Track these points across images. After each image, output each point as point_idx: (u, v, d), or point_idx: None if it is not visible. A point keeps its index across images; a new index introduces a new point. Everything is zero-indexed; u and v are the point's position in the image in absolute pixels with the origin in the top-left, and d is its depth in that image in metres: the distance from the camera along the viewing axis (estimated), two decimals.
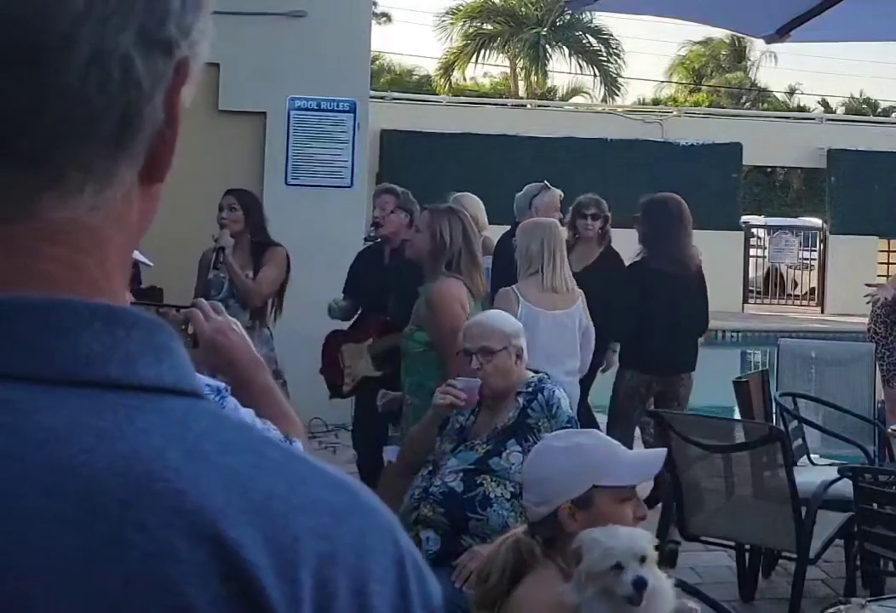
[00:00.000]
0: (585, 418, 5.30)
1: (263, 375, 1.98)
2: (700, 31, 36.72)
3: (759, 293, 19.95)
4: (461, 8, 32.74)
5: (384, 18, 40.09)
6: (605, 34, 32.03)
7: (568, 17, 30.32)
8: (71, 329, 0.60)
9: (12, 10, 0.58)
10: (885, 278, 12.87)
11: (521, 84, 33.06)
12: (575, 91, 35.40)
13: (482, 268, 4.68)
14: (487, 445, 3.55)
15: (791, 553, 4.53)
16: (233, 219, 5.65)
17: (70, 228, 0.62)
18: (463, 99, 25.26)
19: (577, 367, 5.16)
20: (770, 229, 20.89)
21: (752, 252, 19.96)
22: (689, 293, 5.76)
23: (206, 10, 0.65)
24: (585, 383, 5.54)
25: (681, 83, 39.42)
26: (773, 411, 5.70)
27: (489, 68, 37.12)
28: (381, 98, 18.98)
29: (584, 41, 32.09)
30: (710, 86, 38.36)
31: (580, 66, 32.36)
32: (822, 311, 18.81)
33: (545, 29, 31.30)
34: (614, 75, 31.87)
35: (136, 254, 1.01)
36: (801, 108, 37.58)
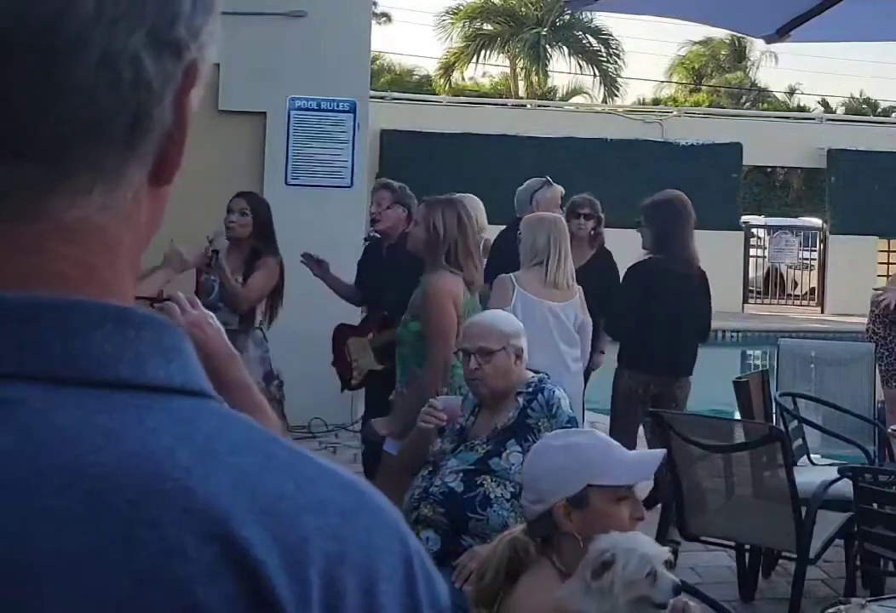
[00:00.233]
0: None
1: (239, 370, 1.99)
2: (700, 31, 36.76)
3: (759, 293, 19.95)
4: (461, 8, 32.75)
5: (384, 18, 40.12)
6: (605, 34, 32.05)
7: (568, 17, 30.34)
8: (83, 329, 0.60)
9: (23, 10, 0.58)
10: (884, 278, 12.88)
11: (522, 84, 33.06)
12: (575, 91, 35.41)
13: (479, 259, 4.66)
14: (487, 445, 3.55)
15: (791, 553, 4.53)
16: (241, 224, 5.60)
17: (80, 227, 0.62)
18: (463, 99, 25.27)
19: (579, 355, 5.18)
20: (770, 229, 20.89)
21: (752, 252, 19.96)
22: (692, 293, 5.74)
23: (215, 12, 0.66)
24: None
25: (681, 83, 39.42)
26: (773, 411, 5.70)
27: (489, 68, 37.17)
28: (381, 98, 18.98)
29: (584, 41, 32.10)
30: (710, 86, 38.37)
31: (580, 67, 32.40)
32: (822, 311, 18.82)
33: (545, 29, 31.31)
34: (614, 75, 31.88)
35: None
36: (801, 108, 37.58)
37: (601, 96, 32.19)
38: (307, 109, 8.40)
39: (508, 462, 3.48)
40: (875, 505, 4.38)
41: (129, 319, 0.62)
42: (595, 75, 32.22)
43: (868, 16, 4.55)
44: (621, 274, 6.01)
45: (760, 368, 9.18)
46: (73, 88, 0.59)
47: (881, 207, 18.44)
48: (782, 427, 5.31)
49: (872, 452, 5.67)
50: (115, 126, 0.61)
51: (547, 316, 5.06)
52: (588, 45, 32.14)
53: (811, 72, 66.56)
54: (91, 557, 0.55)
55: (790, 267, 20.10)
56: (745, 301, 19.02)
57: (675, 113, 22.13)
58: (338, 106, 8.43)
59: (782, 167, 28.01)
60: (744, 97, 38.79)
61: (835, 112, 36.32)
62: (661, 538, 4.73)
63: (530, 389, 3.63)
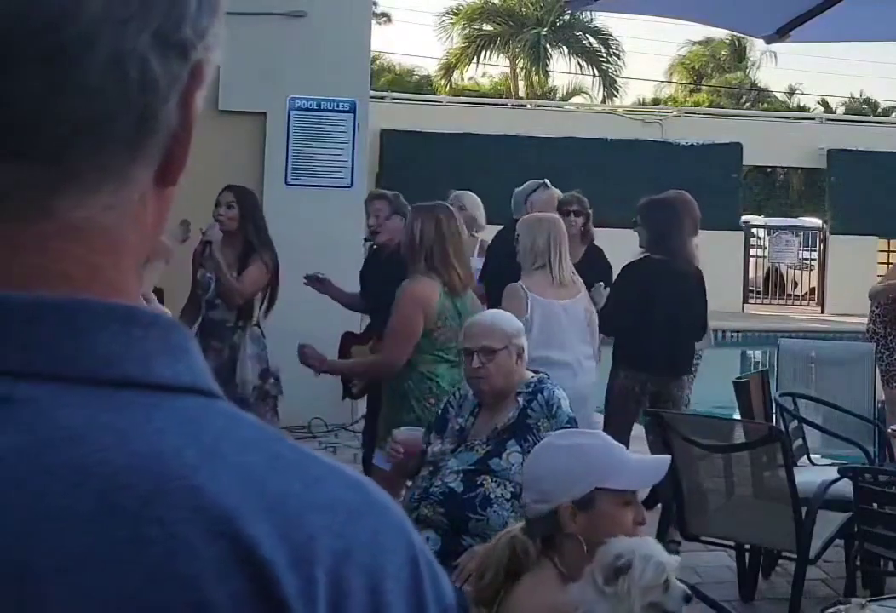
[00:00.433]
0: None
1: None
2: (700, 31, 36.75)
3: (759, 293, 19.96)
4: (461, 8, 32.76)
5: (384, 18, 40.12)
6: (604, 34, 32.07)
7: (568, 17, 30.35)
8: (90, 329, 0.60)
9: (31, 9, 0.58)
10: None
11: (522, 84, 33.07)
12: (575, 91, 35.41)
13: (461, 266, 4.60)
14: (487, 446, 3.55)
15: (791, 553, 4.52)
16: (229, 217, 5.61)
17: (85, 227, 0.62)
18: (463, 99, 25.28)
19: (592, 353, 5.21)
20: (770, 229, 20.89)
21: (752, 252, 19.97)
22: (690, 293, 5.74)
23: (220, 14, 0.66)
24: None
25: (681, 83, 39.42)
26: (773, 411, 5.70)
27: (489, 69, 37.16)
28: (381, 98, 18.98)
29: (584, 41, 32.12)
30: (710, 86, 38.36)
31: (580, 67, 32.41)
32: (822, 311, 18.82)
33: (545, 29, 31.32)
34: (614, 76, 31.90)
35: None
36: (801, 108, 37.57)
37: (601, 96, 32.23)
38: (307, 109, 8.40)
39: (508, 462, 3.48)
40: (875, 505, 4.38)
41: (136, 318, 0.62)
42: (595, 75, 32.24)
43: (868, 16, 4.56)
44: (615, 271, 6.01)
45: (760, 368, 9.19)
46: (80, 88, 0.60)
47: (881, 207, 18.44)
48: (782, 427, 5.30)
49: (872, 452, 5.67)
50: (121, 126, 0.62)
51: (561, 316, 5.09)
52: (588, 45, 32.15)
53: (811, 72, 66.57)
54: (99, 556, 0.56)
55: (790, 267, 20.11)
56: (745, 301, 19.02)
57: (674, 113, 22.13)
58: (338, 106, 8.43)
59: (782, 167, 28.03)
60: (744, 97, 38.79)
61: (835, 112, 36.30)
62: (661, 538, 4.73)
63: (530, 389, 3.64)
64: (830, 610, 3.03)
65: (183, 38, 0.63)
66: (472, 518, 3.42)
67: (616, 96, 32.28)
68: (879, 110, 38.31)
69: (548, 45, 31.50)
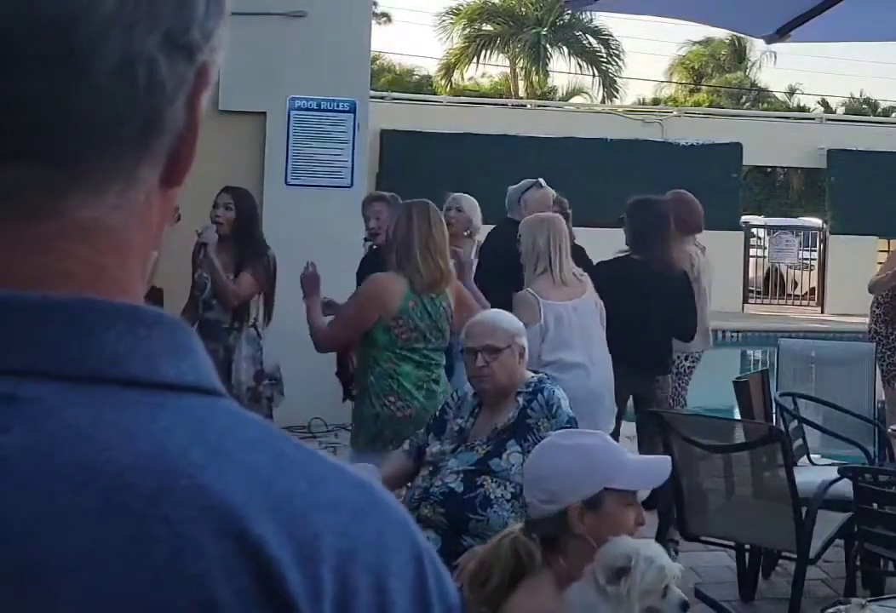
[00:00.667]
0: None
1: None
2: (700, 31, 36.77)
3: (759, 293, 19.95)
4: (461, 8, 32.76)
5: (384, 18, 40.14)
6: (604, 34, 32.08)
7: (568, 17, 30.36)
8: (95, 328, 0.60)
9: (43, 10, 0.58)
10: None
11: (521, 84, 33.07)
12: (575, 91, 35.41)
13: (431, 264, 4.53)
14: (487, 446, 3.55)
15: (791, 553, 4.52)
16: (227, 218, 5.63)
17: (91, 227, 0.62)
18: (463, 99, 25.28)
19: (604, 350, 5.21)
20: (770, 229, 20.89)
21: (752, 252, 19.96)
22: (671, 294, 5.70)
23: (225, 16, 0.66)
24: None
25: (681, 83, 39.43)
26: (773, 411, 5.70)
27: (489, 69, 37.16)
28: (381, 98, 18.99)
29: (583, 41, 32.12)
30: (710, 86, 38.36)
31: (580, 67, 32.42)
32: (822, 311, 18.82)
33: (545, 29, 31.33)
34: (613, 76, 31.90)
35: None
36: (801, 108, 37.58)
37: (601, 96, 32.24)
38: (307, 109, 8.39)
39: (509, 462, 3.48)
40: (875, 505, 4.38)
41: (142, 318, 0.62)
42: (595, 75, 32.25)
43: (868, 16, 4.56)
44: None
45: (760, 368, 9.19)
46: (90, 90, 0.60)
47: (881, 207, 18.44)
48: (782, 427, 5.30)
49: (872, 452, 5.67)
50: (128, 127, 0.62)
51: (569, 317, 5.08)
52: (588, 45, 32.16)
53: (811, 72, 66.67)
54: (106, 554, 0.56)
55: (790, 267, 20.10)
56: (745, 301, 19.02)
57: (675, 113, 22.13)
58: (338, 106, 8.42)
59: (782, 167, 28.03)
60: (744, 97, 38.79)
61: (835, 112, 36.31)
62: (662, 538, 4.73)
63: (530, 389, 3.64)
64: (830, 610, 3.03)
65: (190, 40, 0.63)
66: (473, 519, 3.42)
67: (616, 96, 32.33)
68: (879, 110, 38.32)
69: (548, 45, 31.51)
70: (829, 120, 24.29)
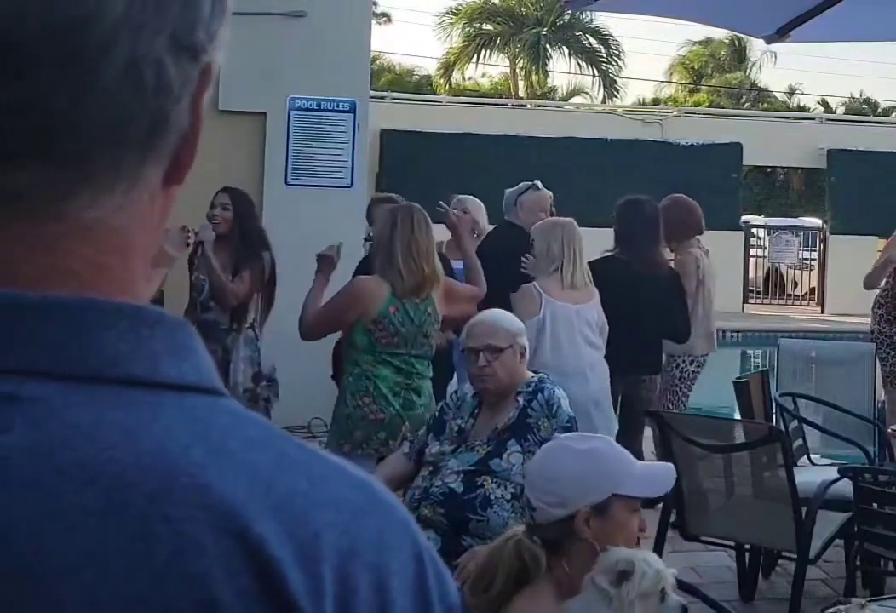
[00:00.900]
0: None
1: None
2: (700, 31, 36.78)
3: (759, 293, 19.95)
4: (461, 8, 32.76)
5: (384, 18, 40.13)
6: (604, 34, 32.08)
7: (568, 17, 30.36)
8: (97, 328, 0.60)
9: (54, 13, 0.59)
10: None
11: (521, 84, 33.07)
12: (575, 91, 35.42)
13: (413, 269, 4.54)
14: (488, 446, 3.56)
15: (791, 553, 4.52)
16: (224, 218, 5.63)
17: (95, 227, 0.63)
18: (463, 99, 25.28)
19: (601, 357, 5.21)
20: (770, 229, 20.89)
21: (752, 252, 19.96)
22: (658, 294, 5.68)
23: (228, 16, 0.67)
24: None
25: (681, 83, 39.42)
26: (773, 411, 5.70)
27: (488, 69, 37.16)
28: (381, 98, 18.99)
29: (583, 41, 32.12)
30: (710, 86, 38.36)
31: (580, 67, 32.42)
32: (822, 311, 18.82)
33: (545, 29, 31.33)
34: (613, 76, 31.90)
35: None
36: (801, 108, 37.58)
37: (601, 96, 32.24)
38: (307, 109, 8.39)
39: (509, 462, 3.49)
40: (875, 505, 4.38)
41: (144, 318, 0.62)
42: (595, 75, 32.25)
43: (868, 16, 4.56)
44: None
45: (760, 368, 9.19)
46: (98, 92, 0.60)
47: (881, 207, 18.41)
48: (782, 427, 5.30)
49: (872, 452, 5.67)
50: (135, 128, 0.62)
51: (573, 319, 5.08)
52: (588, 45, 32.16)
53: (811, 72, 66.67)
54: (107, 554, 0.56)
55: (790, 267, 20.10)
56: (745, 301, 19.02)
57: (674, 113, 22.13)
58: (338, 106, 8.42)
59: (782, 167, 28.04)
60: (744, 97, 38.80)
61: (835, 112, 36.31)
62: (661, 538, 4.73)
63: (530, 389, 3.65)
64: (830, 610, 3.03)
65: (196, 41, 0.63)
66: (473, 519, 3.42)
67: (616, 96, 32.33)
68: (879, 110, 38.32)
69: (548, 45, 31.51)
70: (829, 120, 24.29)
